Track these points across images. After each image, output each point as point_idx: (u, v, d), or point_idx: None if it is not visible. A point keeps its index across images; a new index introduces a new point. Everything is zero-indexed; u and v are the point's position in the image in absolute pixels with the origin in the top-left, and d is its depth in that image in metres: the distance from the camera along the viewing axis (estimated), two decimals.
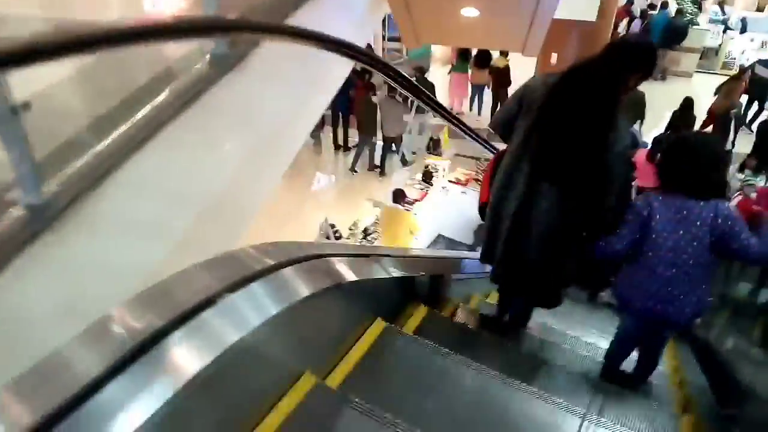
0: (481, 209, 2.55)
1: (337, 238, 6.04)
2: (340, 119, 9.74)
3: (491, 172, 2.51)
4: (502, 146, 2.57)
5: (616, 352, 2.82)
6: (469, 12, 4.77)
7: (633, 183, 5.03)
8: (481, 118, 11.13)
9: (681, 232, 2.21)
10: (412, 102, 9.01)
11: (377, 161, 9.13)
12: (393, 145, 9.02)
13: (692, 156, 2.25)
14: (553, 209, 2.22)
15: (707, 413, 2.53)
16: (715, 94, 9.26)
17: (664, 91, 12.02)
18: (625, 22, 12.45)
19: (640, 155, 7.80)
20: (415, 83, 3.39)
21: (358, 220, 6.51)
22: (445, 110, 3.72)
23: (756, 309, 3.11)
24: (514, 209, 2.27)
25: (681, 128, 8.48)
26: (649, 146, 7.59)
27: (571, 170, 2.17)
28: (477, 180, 7.64)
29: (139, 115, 1.83)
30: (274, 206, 7.32)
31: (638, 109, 9.00)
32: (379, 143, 9.05)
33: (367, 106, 8.74)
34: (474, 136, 3.96)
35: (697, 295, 2.29)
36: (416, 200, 7.20)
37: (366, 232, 6.23)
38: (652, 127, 8.36)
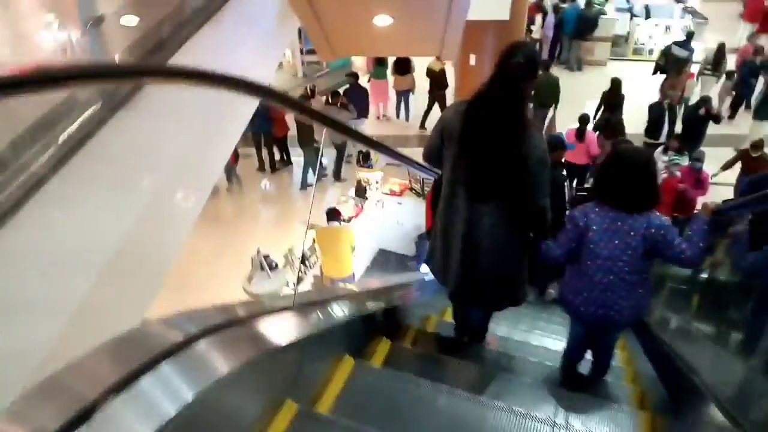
0: (428, 234, 2.79)
1: (273, 269, 5.82)
2: (263, 141, 9.63)
3: (431, 199, 2.73)
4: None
5: (570, 356, 2.91)
6: (382, 20, 4.75)
7: (565, 182, 5.23)
8: (410, 124, 11.31)
9: (616, 242, 2.36)
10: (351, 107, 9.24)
11: (310, 179, 9.16)
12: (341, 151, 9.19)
13: (623, 170, 2.37)
14: (496, 224, 2.41)
15: (662, 406, 2.61)
16: (660, 90, 9.84)
17: (582, 80, 12.63)
18: (539, 17, 12.95)
19: (569, 134, 8.15)
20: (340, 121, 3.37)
21: (292, 246, 6.31)
22: (381, 145, 3.72)
23: (690, 287, 3.25)
24: (462, 231, 2.45)
25: (611, 107, 9.13)
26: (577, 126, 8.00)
27: (499, 186, 2.35)
28: (412, 189, 7.64)
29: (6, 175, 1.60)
30: (200, 248, 7.09)
31: (553, 92, 9.53)
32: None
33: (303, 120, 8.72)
34: (409, 161, 3.97)
35: (635, 299, 2.44)
36: (352, 217, 7.09)
37: (304, 259, 6.04)
38: (574, 113, 8.69)
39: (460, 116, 2.34)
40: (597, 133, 8.22)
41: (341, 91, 9.88)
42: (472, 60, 7.46)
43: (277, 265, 5.97)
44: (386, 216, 7.73)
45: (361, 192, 7.55)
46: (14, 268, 1.44)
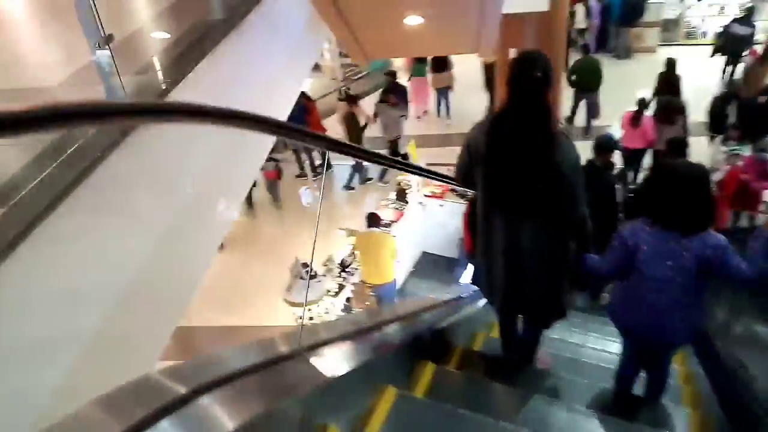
0: (470, 256, 2.78)
1: (312, 277, 5.79)
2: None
3: (468, 219, 2.73)
4: None
5: (622, 374, 2.76)
6: (413, 20, 4.62)
7: (616, 184, 4.91)
8: (452, 122, 11.14)
9: (669, 263, 2.23)
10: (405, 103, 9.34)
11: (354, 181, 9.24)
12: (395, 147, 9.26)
13: (675, 190, 2.20)
14: (536, 238, 2.37)
15: None
16: (744, 83, 9.24)
17: (631, 68, 12.08)
18: (580, 6, 12.46)
19: (625, 119, 7.82)
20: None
21: (331, 254, 6.25)
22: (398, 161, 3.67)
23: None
24: (503, 248, 2.42)
25: (669, 90, 8.67)
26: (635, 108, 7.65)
27: (534, 201, 2.30)
28: (453, 191, 7.47)
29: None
30: (243, 263, 7.13)
31: (594, 76, 9.25)
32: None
33: (352, 120, 8.90)
34: (443, 178, 3.90)
35: (689, 319, 2.31)
36: (393, 221, 6.98)
37: (343, 266, 5.97)
38: (624, 104, 8.32)
39: (485, 133, 2.33)
40: (654, 116, 7.80)
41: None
42: (513, 54, 7.20)
43: (316, 274, 5.93)
44: (428, 219, 7.59)
45: (401, 195, 7.43)
46: (14, 307, 1.38)
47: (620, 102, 8.73)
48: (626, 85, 9.29)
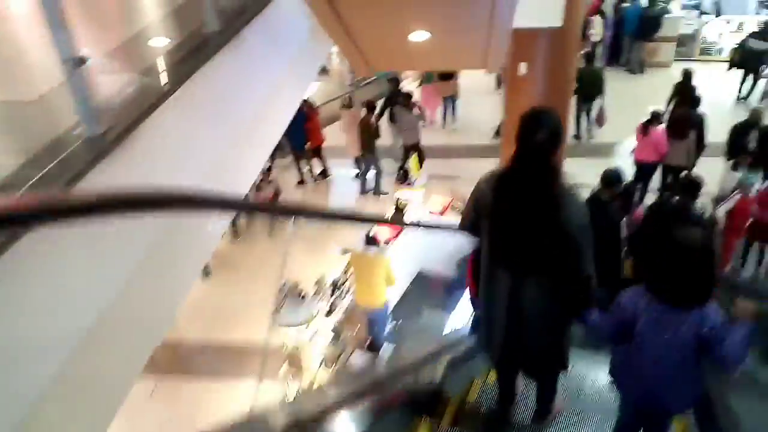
0: (473, 301, 2.79)
1: (302, 298, 5.59)
2: (299, 154, 9.59)
3: (472, 266, 2.69)
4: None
5: None
6: (419, 36, 4.43)
7: (621, 219, 4.73)
8: (458, 126, 11.17)
9: (666, 336, 2.16)
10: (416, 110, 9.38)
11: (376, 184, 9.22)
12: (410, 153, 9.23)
13: (674, 263, 2.11)
14: (539, 294, 2.36)
15: None
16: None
17: (644, 83, 11.92)
18: (597, 19, 12.28)
19: (638, 129, 7.74)
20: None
21: (324, 274, 6.05)
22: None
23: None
24: (506, 303, 2.41)
25: (683, 101, 8.61)
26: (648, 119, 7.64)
27: (539, 260, 2.29)
28: (455, 208, 7.28)
29: None
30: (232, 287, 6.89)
31: (595, 84, 9.40)
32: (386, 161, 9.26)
33: (368, 128, 8.93)
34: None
35: (686, 391, 2.28)
36: (390, 239, 6.79)
37: (335, 286, 5.78)
38: (636, 119, 8.24)
39: (492, 189, 2.35)
40: (667, 128, 7.76)
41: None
42: (522, 69, 6.99)
43: (305, 295, 5.73)
44: (427, 236, 7.39)
45: (399, 212, 7.24)
46: None
47: (633, 116, 8.63)
48: (639, 100, 9.17)
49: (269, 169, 7.95)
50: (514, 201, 2.27)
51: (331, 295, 5.87)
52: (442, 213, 7.45)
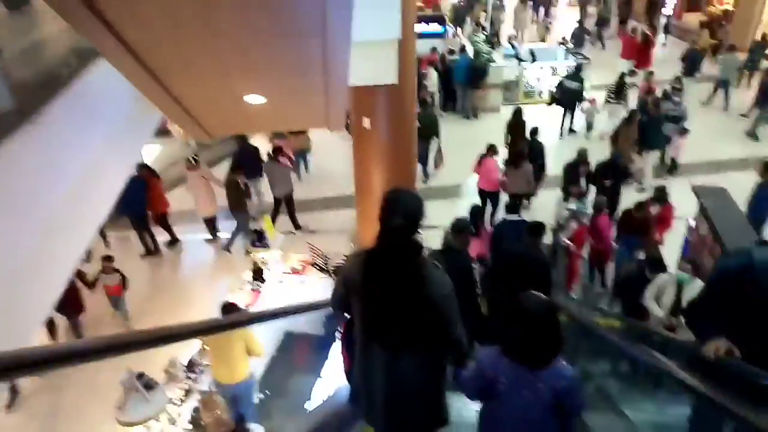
0: (347, 374, 2.84)
1: (150, 388, 5.03)
2: (140, 223, 8.94)
3: (344, 340, 2.79)
4: None
5: None
6: (254, 99, 4.39)
7: (473, 267, 5.06)
8: (311, 177, 11.46)
9: (525, 394, 2.29)
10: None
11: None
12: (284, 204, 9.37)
13: (522, 328, 2.31)
14: (414, 367, 2.45)
15: None
16: (613, 142, 10.37)
17: (479, 127, 13.04)
18: (432, 71, 13.31)
19: (475, 163, 8.83)
20: None
21: (175, 356, 5.54)
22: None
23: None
24: (383, 377, 2.48)
25: (518, 135, 10.17)
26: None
27: (410, 334, 2.36)
28: (315, 265, 7.20)
29: None
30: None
31: (431, 126, 10.52)
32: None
33: (236, 186, 8.81)
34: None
35: None
36: (249, 305, 6.48)
37: (191, 367, 5.33)
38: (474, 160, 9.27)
39: (359, 269, 2.40)
40: (506, 160, 9.05)
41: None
42: (366, 123, 7.27)
43: (154, 385, 5.16)
44: (289, 297, 7.20)
45: (258, 275, 6.98)
46: None
47: (472, 157, 9.45)
48: (476, 142, 9.95)
49: (109, 258, 7.10)
50: (380, 280, 2.35)
51: (187, 378, 5.38)
52: (302, 271, 7.33)
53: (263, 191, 10.11)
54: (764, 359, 2.28)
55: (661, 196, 7.71)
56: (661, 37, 18.70)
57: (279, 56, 3.81)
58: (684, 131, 10.39)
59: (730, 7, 18.61)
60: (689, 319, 3.00)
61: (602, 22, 19.17)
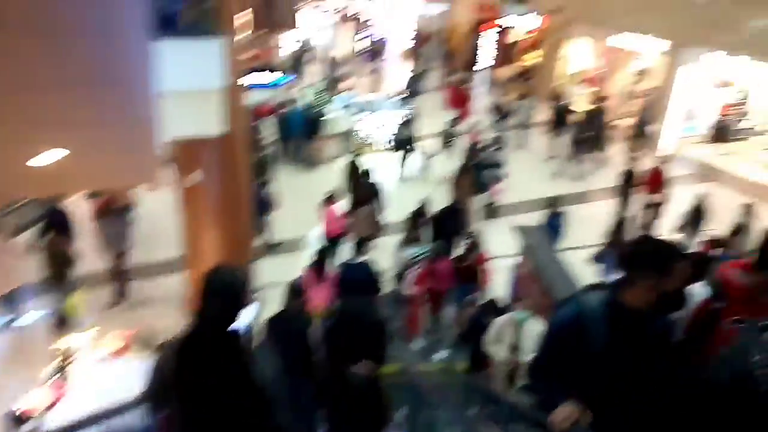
0: None
1: None
2: None
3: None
4: None
5: None
6: (53, 155, 3.72)
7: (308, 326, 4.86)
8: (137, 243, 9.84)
9: None
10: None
11: None
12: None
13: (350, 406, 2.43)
14: None
15: None
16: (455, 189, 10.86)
17: (319, 177, 12.99)
18: (269, 121, 13.31)
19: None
20: None
21: None
22: None
23: None
24: None
25: (354, 181, 10.68)
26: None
27: (232, 421, 2.25)
28: (137, 342, 6.30)
29: None
30: None
31: (262, 171, 10.78)
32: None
33: (60, 253, 7.79)
34: None
35: None
36: (49, 407, 5.30)
37: None
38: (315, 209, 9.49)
39: (174, 359, 2.27)
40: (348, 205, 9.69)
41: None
42: (197, 176, 6.70)
43: None
44: (107, 383, 6.14)
45: (63, 367, 5.82)
46: None
47: (313, 207, 9.59)
48: (317, 192, 9.81)
49: None
50: (197, 371, 2.23)
51: None
52: (124, 350, 6.36)
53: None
54: (612, 418, 2.22)
55: (474, 244, 8.08)
56: (479, 89, 20.66)
57: (80, 106, 3.36)
58: (498, 178, 11.49)
59: (539, 60, 21.07)
60: (530, 380, 2.85)
61: (427, 74, 20.72)
